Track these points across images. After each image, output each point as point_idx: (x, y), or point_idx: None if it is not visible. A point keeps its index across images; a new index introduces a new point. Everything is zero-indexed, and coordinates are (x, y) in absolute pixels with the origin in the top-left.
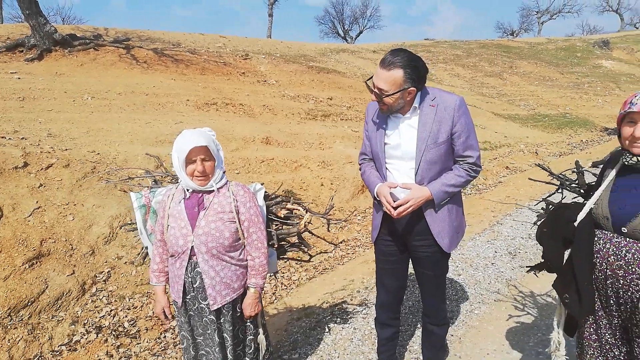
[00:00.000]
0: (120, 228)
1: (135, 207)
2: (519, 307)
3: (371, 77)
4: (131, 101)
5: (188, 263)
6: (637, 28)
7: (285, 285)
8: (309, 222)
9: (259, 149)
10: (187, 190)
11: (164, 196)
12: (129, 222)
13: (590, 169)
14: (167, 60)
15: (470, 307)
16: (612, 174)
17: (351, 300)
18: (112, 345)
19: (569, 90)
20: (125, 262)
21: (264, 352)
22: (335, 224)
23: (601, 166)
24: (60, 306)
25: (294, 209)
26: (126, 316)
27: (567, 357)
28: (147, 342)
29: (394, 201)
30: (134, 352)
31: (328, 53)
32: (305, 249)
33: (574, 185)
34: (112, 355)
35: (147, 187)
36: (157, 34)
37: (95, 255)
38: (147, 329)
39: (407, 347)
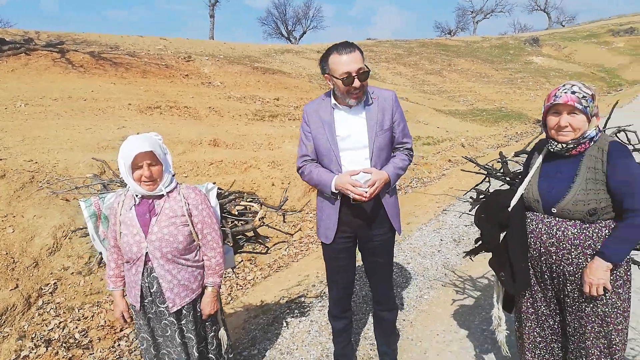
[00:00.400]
0: (72, 233)
1: (85, 215)
2: (464, 290)
3: (344, 73)
4: (69, 107)
5: (144, 269)
6: (564, 26)
7: (240, 286)
8: (263, 217)
9: (206, 152)
10: (137, 196)
11: (114, 202)
12: (80, 228)
13: (513, 158)
14: (105, 64)
15: (420, 293)
16: (539, 160)
17: (307, 294)
18: (63, 357)
19: (503, 86)
20: (72, 273)
21: (225, 347)
22: (291, 214)
23: (522, 155)
24: (5, 322)
25: (247, 205)
26: (77, 327)
27: (508, 331)
28: (100, 351)
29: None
30: None
31: (272, 54)
32: (262, 242)
33: (499, 174)
34: None
35: (95, 193)
36: (93, 36)
37: (39, 268)
38: (99, 339)
39: (362, 334)
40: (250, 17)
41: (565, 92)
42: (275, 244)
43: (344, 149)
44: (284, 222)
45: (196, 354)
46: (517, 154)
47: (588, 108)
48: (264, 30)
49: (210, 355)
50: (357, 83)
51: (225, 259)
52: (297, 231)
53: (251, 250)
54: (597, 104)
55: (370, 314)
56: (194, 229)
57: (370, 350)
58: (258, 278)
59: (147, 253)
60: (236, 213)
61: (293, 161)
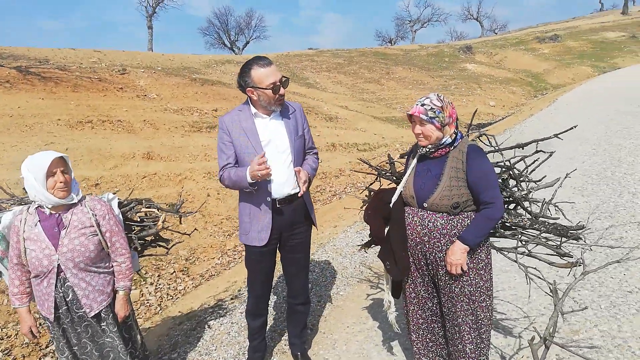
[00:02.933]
0: None
1: None
2: (375, 285)
3: (276, 81)
4: None
5: (57, 280)
6: (496, 33)
7: (171, 296)
8: (164, 220)
9: (139, 165)
10: (48, 207)
11: (15, 220)
12: None
13: (399, 159)
14: (33, 79)
15: (336, 290)
16: (414, 162)
17: (231, 299)
18: None
19: (438, 92)
20: None
21: (139, 348)
22: (187, 216)
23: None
24: None
25: (148, 211)
26: None
27: (397, 312)
28: None
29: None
30: None
31: (213, 64)
32: (164, 245)
33: (388, 174)
34: None
35: None
36: (21, 50)
37: None
38: (24, 356)
39: (277, 329)
40: (192, 27)
41: (416, 105)
42: (174, 244)
43: (269, 153)
44: (181, 223)
45: (123, 357)
46: (402, 156)
47: (436, 119)
48: (205, 41)
49: (138, 353)
50: (282, 90)
51: (133, 262)
52: (194, 231)
53: (153, 253)
54: (450, 114)
55: (283, 311)
56: (103, 238)
57: (284, 345)
58: (189, 287)
59: (59, 265)
60: (138, 219)
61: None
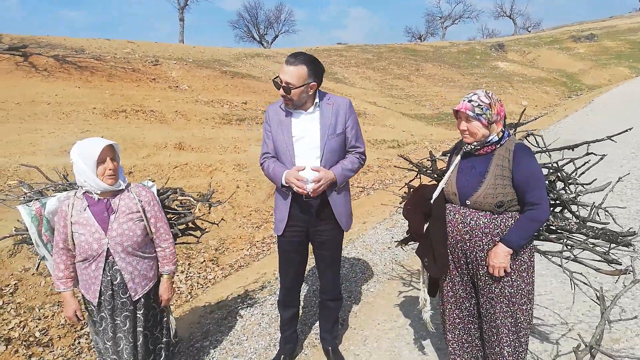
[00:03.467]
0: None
1: (27, 221)
2: (407, 283)
3: (277, 76)
4: (32, 111)
5: (105, 263)
6: (530, 31)
7: (201, 285)
8: (198, 209)
9: (171, 155)
10: (96, 193)
11: (63, 205)
12: (7, 236)
13: (441, 157)
14: (70, 68)
15: (366, 286)
16: (458, 159)
17: (262, 290)
18: (23, 355)
19: (469, 90)
20: (33, 274)
21: (173, 331)
22: (217, 206)
23: (449, 154)
24: None
25: (184, 200)
26: (37, 326)
27: (432, 311)
28: (60, 349)
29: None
30: None
31: (242, 57)
32: (195, 234)
33: (429, 171)
34: None
35: (34, 199)
36: (58, 39)
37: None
38: (59, 337)
39: (308, 323)
40: (222, 20)
41: (463, 101)
42: (203, 233)
43: (298, 149)
44: (209, 213)
45: (141, 338)
46: (444, 154)
47: (483, 116)
48: (235, 34)
49: (164, 339)
50: (281, 91)
51: None
52: (221, 220)
53: (185, 242)
54: (498, 111)
55: (316, 305)
56: (148, 223)
57: (315, 339)
58: (219, 277)
59: (108, 249)
60: (174, 207)
61: (258, 164)
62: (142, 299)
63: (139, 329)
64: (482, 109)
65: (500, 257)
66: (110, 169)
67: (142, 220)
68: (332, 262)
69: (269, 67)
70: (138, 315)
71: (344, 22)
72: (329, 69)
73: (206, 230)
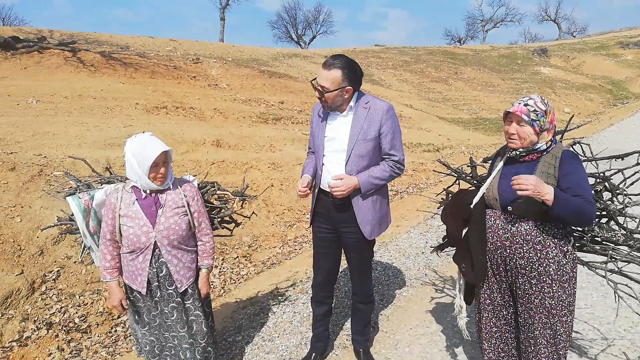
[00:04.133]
0: (43, 230)
1: (76, 212)
2: (442, 289)
3: (315, 78)
4: (78, 105)
5: (152, 256)
6: (575, 37)
7: (234, 280)
8: (234, 203)
9: (209, 152)
10: (145, 191)
11: (111, 198)
12: (51, 225)
13: (481, 163)
14: (115, 64)
15: (399, 291)
16: (500, 164)
17: (294, 289)
18: (62, 340)
19: (509, 95)
20: (75, 262)
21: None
22: (250, 200)
23: (490, 161)
24: (9, 304)
25: (221, 194)
26: (76, 312)
27: (468, 318)
28: (98, 336)
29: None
30: (85, 346)
31: (280, 58)
32: (229, 228)
33: (468, 177)
34: (63, 349)
35: (82, 190)
36: (104, 36)
37: (44, 255)
38: (97, 324)
39: (340, 324)
40: (261, 20)
41: (519, 103)
42: (235, 226)
43: (328, 149)
44: (242, 207)
45: (205, 329)
46: (485, 160)
47: (537, 122)
48: (274, 34)
49: (214, 333)
50: (316, 93)
51: None
52: (252, 214)
53: (219, 235)
54: (551, 120)
55: (348, 308)
56: (192, 218)
57: (346, 340)
58: (251, 273)
59: (155, 242)
60: (213, 202)
61: (293, 164)
62: (189, 290)
63: (192, 317)
64: (537, 114)
65: (532, 179)
66: (161, 174)
67: (187, 214)
68: (361, 265)
69: (306, 68)
70: (187, 305)
71: (382, 23)
72: (365, 71)
73: (237, 224)
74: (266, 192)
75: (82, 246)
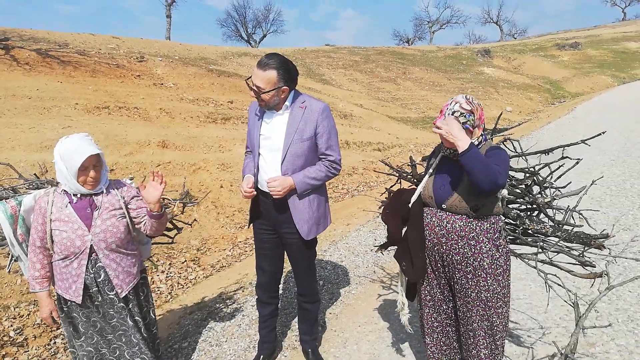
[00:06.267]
0: None
1: (1, 219)
2: (389, 286)
3: (250, 77)
4: (12, 105)
5: (88, 261)
6: (515, 38)
7: (182, 285)
8: (174, 208)
9: (154, 153)
10: (76, 195)
11: (41, 202)
12: None
13: (420, 162)
14: (52, 62)
15: (348, 289)
16: (435, 162)
17: (242, 291)
18: None
19: (454, 95)
20: (9, 271)
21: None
22: (190, 205)
23: (428, 159)
24: None
25: (164, 199)
26: (11, 325)
27: (411, 314)
28: (35, 349)
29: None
30: None
31: (230, 56)
32: (178, 232)
33: (409, 176)
34: None
35: (8, 196)
36: (41, 33)
37: None
38: (35, 337)
39: (288, 324)
40: (210, 18)
41: (447, 113)
42: (176, 234)
43: (264, 147)
44: (182, 213)
45: (145, 334)
46: (424, 159)
47: (468, 122)
48: (223, 32)
49: (156, 340)
50: (252, 92)
51: (144, 249)
52: (194, 221)
53: (161, 242)
54: (479, 116)
55: (296, 307)
56: (130, 220)
57: (295, 340)
58: (200, 277)
59: (91, 246)
60: None
61: (242, 164)
62: (131, 296)
63: (131, 323)
64: (465, 116)
65: (454, 127)
66: (92, 177)
67: (125, 217)
68: (303, 266)
69: None
70: (128, 311)
71: (334, 23)
72: (316, 70)
73: (182, 229)
74: (215, 194)
75: (10, 256)
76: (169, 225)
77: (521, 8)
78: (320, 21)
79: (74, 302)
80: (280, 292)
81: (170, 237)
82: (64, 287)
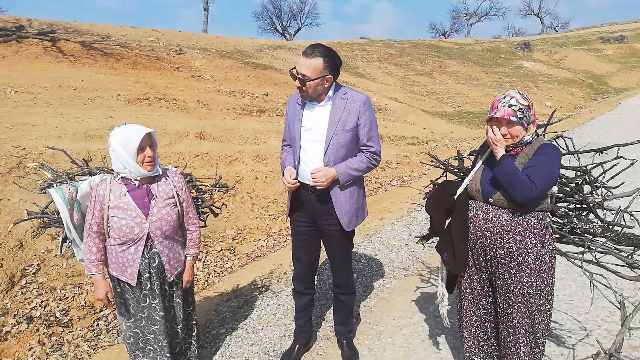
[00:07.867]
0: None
1: (60, 204)
2: (424, 280)
3: (294, 67)
4: (58, 95)
5: (144, 247)
6: (557, 31)
7: (217, 273)
8: (214, 194)
9: (192, 144)
10: (136, 179)
11: (99, 189)
12: (24, 219)
13: (468, 156)
14: (96, 54)
15: (382, 282)
16: (485, 156)
17: (278, 281)
18: (43, 334)
19: (492, 89)
20: (56, 255)
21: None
22: (223, 191)
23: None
24: None
25: (202, 186)
26: (57, 306)
27: (450, 307)
28: (79, 330)
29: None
30: (67, 340)
31: (265, 49)
32: (214, 216)
33: (455, 170)
34: (44, 344)
35: (62, 182)
36: (85, 26)
37: (23, 249)
38: (79, 318)
39: (323, 315)
40: (246, 11)
41: (503, 106)
42: (215, 216)
43: (305, 140)
44: (221, 198)
45: (181, 316)
46: (472, 153)
47: (524, 118)
48: (258, 25)
49: (192, 322)
50: (297, 82)
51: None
52: (222, 205)
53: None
54: (534, 111)
55: (332, 299)
56: (181, 208)
57: (330, 331)
58: (235, 266)
59: (148, 233)
60: (195, 193)
61: (278, 156)
62: (175, 279)
63: (177, 307)
64: (522, 112)
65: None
66: (149, 156)
67: (177, 205)
68: (341, 258)
69: (291, 59)
70: (171, 294)
71: (368, 16)
72: (350, 63)
73: (218, 214)
74: (250, 185)
75: (62, 239)
76: (205, 210)
77: (564, 0)
78: (354, 14)
79: (128, 284)
80: (315, 283)
81: (204, 221)
82: (119, 270)
